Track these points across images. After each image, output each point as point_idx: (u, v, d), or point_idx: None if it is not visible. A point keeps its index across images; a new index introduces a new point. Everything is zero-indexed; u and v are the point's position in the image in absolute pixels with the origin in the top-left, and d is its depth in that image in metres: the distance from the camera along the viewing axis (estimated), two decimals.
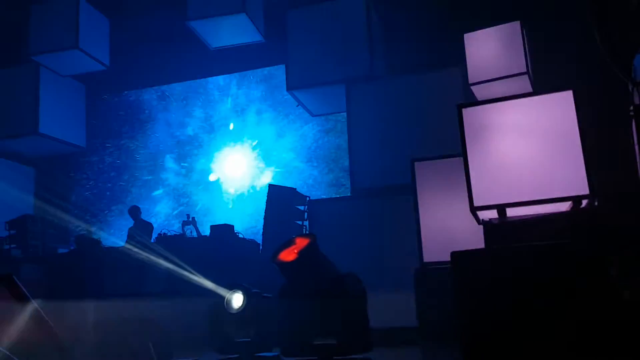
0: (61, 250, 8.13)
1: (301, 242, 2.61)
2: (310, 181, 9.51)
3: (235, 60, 8.93)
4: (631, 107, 2.52)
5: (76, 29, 7.86)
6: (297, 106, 8.83)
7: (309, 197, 7.60)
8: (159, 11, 9.19)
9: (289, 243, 2.65)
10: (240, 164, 9.97)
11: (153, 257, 6.04)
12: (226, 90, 10.36)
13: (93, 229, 9.19)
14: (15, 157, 9.08)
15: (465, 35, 6.16)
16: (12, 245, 7.81)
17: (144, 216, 8.36)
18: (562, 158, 2.91)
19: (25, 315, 2.79)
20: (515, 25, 5.96)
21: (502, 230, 3.00)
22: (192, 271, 5.05)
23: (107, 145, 10.36)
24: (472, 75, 6.04)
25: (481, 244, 3.08)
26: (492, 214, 3.07)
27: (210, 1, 7.45)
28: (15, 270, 6.86)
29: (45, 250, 7.94)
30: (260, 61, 9.08)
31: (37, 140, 8.53)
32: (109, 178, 10.27)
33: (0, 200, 8.47)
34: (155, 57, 9.12)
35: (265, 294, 3.01)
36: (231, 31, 7.78)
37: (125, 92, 10.37)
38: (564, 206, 2.91)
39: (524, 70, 5.83)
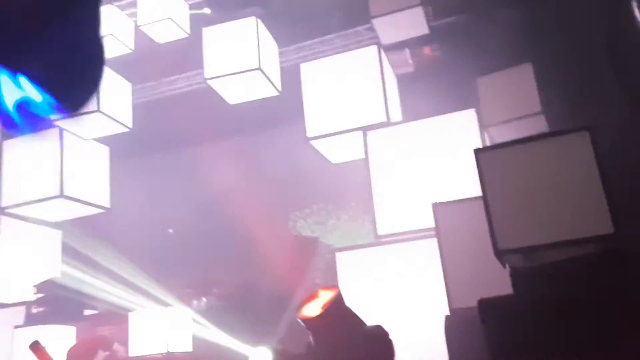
0: (87, 313, 8.14)
1: (325, 296, 2.55)
2: None
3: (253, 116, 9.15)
4: None
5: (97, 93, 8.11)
6: None
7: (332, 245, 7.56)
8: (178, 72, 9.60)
9: (312, 297, 2.59)
10: None
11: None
12: None
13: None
14: (41, 221, 9.20)
15: (479, 79, 6.24)
16: (40, 309, 7.85)
17: None
18: (583, 198, 2.88)
19: None
20: (527, 67, 6.03)
21: (529, 274, 2.95)
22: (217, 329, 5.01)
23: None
24: (487, 118, 6.07)
25: (509, 287, 3.02)
26: (518, 257, 3.03)
27: (227, 60, 7.68)
28: (44, 334, 6.87)
29: (72, 313, 7.95)
30: (277, 114, 9.27)
31: (62, 202, 8.64)
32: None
33: (27, 264, 8.58)
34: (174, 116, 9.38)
35: (292, 351, 2.96)
36: (248, 87, 7.98)
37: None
38: (590, 247, 2.85)
39: (539, 110, 5.85)
